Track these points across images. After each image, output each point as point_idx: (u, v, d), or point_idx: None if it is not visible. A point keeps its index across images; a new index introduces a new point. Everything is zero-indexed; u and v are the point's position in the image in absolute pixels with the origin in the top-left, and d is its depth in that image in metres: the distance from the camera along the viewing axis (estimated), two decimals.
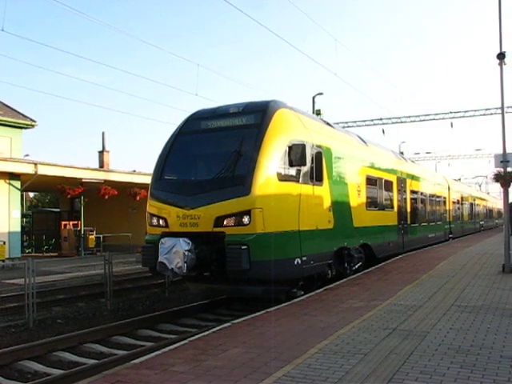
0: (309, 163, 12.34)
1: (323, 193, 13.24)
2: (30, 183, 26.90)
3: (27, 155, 31.89)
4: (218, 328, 8.60)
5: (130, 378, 6.05)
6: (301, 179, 12.10)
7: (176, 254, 10.79)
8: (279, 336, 7.80)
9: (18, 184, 26.85)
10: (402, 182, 21.55)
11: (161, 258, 10.97)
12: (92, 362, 9.07)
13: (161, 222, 11.90)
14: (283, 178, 11.56)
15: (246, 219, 10.79)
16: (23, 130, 29.18)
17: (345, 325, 8.38)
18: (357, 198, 15.81)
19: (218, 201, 11.07)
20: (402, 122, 42.94)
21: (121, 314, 13.43)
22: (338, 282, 13.40)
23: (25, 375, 8.59)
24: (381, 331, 7.87)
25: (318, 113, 38.47)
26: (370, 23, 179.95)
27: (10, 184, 26.45)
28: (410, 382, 5.52)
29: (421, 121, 42.42)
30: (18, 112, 29.07)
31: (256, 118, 12.10)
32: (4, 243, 25.26)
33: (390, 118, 43.08)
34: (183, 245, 10.76)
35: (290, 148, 11.68)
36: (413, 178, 23.83)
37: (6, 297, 15.31)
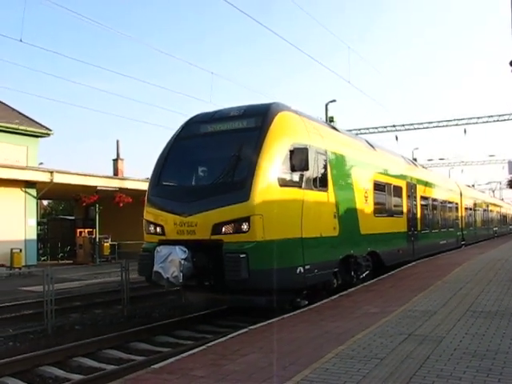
0: (312, 168, 11.97)
1: (328, 199, 12.82)
2: (46, 191, 27.20)
3: (41, 163, 32.26)
4: (235, 334, 8.73)
5: (151, 383, 6.21)
6: (303, 184, 11.67)
7: (172, 262, 10.46)
8: (296, 341, 7.92)
9: (33, 192, 27.18)
10: (411, 187, 21.09)
11: (156, 267, 10.66)
12: (111, 367, 9.22)
13: (158, 229, 11.56)
14: (285, 183, 11.19)
15: (244, 226, 10.41)
16: (39, 139, 29.51)
17: (361, 330, 8.45)
18: (364, 204, 15.32)
19: (216, 207, 10.71)
20: (415, 129, 42.98)
21: (137, 320, 13.56)
22: (352, 289, 13.47)
23: (46, 380, 8.77)
24: (397, 336, 7.95)
25: (331, 120, 38.57)
26: (380, 26, 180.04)
27: (26, 192, 26.78)
28: None
29: (434, 127, 42.42)
30: (34, 121, 29.45)
31: (257, 121, 11.75)
32: (20, 251, 25.56)
33: (403, 125, 43.13)
34: (179, 253, 10.44)
35: (291, 152, 11.28)
36: (423, 183, 23.38)
37: (23, 304, 15.52)
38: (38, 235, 33.54)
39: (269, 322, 9.66)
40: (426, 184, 24.05)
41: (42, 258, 35.40)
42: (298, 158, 11.16)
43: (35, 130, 28.47)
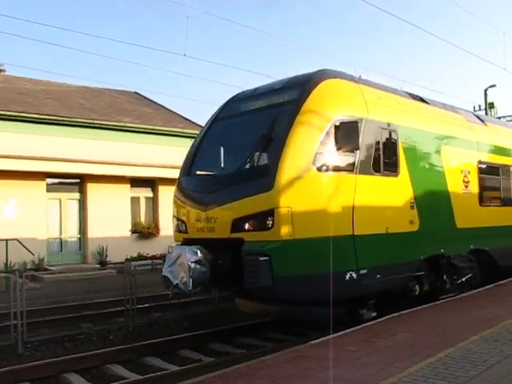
0: (372, 147, 9.71)
1: (400, 186, 10.25)
2: None
3: None
4: (387, 317, 9.33)
5: (308, 354, 7.10)
6: (358, 169, 9.28)
7: (181, 266, 8.88)
8: (444, 324, 8.45)
9: None
10: None
11: (164, 271, 9.23)
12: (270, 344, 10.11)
13: (183, 226, 9.98)
14: (326, 167, 8.90)
15: (268, 222, 8.45)
16: None
17: (511, 317, 8.72)
18: (462, 190, 12.28)
19: (236, 199, 8.90)
20: None
21: None
22: (510, 279, 13.32)
23: (217, 354, 9.86)
24: None
25: (491, 106, 37.01)
26: None
27: None
28: None
29: None
30: (196, 124, 31.64)
31: (297, 92, 9.61)
32: None
33: None
34: (189, 255, 8.75)
35: (336, 127, 9.00)
36: None
37: None
38: None
39: (419, 308, 10.14)
40: None
41: None
42: (345, 135, 8.95)
43: (197, 133, 30.55)
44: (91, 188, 24.24)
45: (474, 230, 12.41)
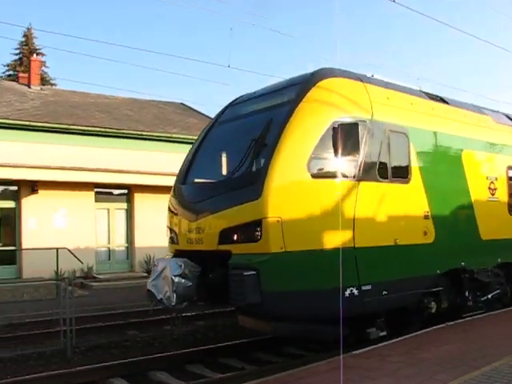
0: (377, 151, 8.89)
1: (411, 193, 9.39)
2: None
3: None
4: (432, 328, 9.24)
5: (350, 364, 7.10)
6: (360, 175, 8.50)
7: (165, 279, 8.42)
8: (492, 337, 8.37)
9: None
10: None
11: (148, 285, 8.83)
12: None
13: (174, 237, 9.57)
14: (322, 173, 8.23)
15: (256, 233, 7.78)
16: None
17: None
18: (488, 198, 11.21)
19: (223, 209, 8.32)
20: None
21: None
22: None
23: (262, 364, 9.94)
24: None
25: None
26: None
27: None
28: None
29: None
30: None
31: (294, 93, 8.92)
32: None
33: None
34: (173, 268, 8.27)
35: (334, 129, 8.26)
36: None
37: None
38: None
39: (466, 319, 10.07)
40: None
41: None
42: (344, 138, 8.22)
43: None
44: (138, 198, 24.72)
45: (502, 241, 11.37)
